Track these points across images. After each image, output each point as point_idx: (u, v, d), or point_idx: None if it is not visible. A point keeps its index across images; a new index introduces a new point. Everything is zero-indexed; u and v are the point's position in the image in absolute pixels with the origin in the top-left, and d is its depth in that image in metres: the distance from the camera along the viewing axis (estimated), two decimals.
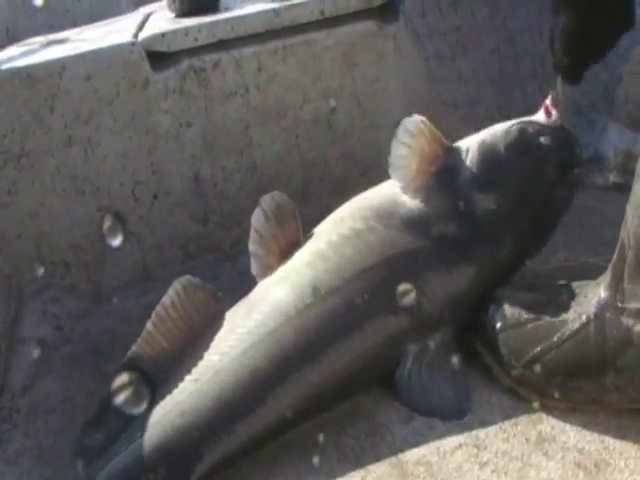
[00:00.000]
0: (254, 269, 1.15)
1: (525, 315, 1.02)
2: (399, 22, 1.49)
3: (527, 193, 1.15)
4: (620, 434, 0.97)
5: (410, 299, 1.08)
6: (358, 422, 1.05)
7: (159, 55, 1.41)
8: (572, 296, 1.02)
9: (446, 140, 1.16)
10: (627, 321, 0.92)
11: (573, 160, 1.19)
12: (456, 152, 1.16)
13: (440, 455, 0.98)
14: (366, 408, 1.07)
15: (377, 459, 0.99)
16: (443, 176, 1.15)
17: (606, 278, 0.97)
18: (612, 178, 1.31)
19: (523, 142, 1.16)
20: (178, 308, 1.09)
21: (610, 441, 0.96)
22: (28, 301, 1.37)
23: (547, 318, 1.00)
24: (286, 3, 1.45)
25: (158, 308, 1.08)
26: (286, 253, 1.14)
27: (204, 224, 1.46)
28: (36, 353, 1.26)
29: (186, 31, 1.41)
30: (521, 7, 1.60)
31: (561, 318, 0.99)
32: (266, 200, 1.15)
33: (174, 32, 1.42)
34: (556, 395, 0.98)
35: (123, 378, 1.01)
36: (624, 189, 1.33)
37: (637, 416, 0.99)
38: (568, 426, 0.99)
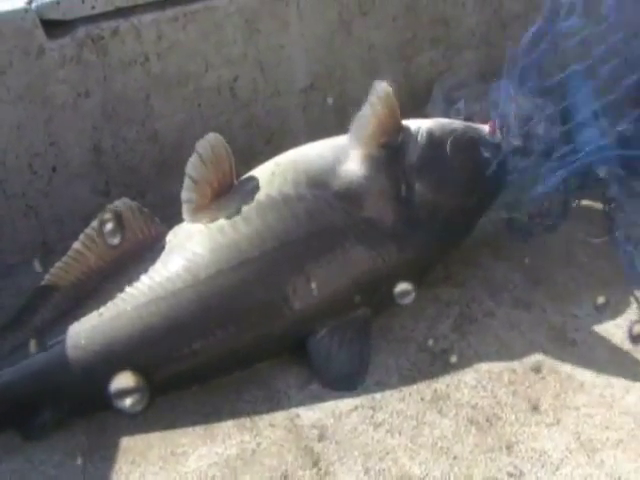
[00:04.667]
0: (187, 215, 1.12)
1: None
2: None
3: (461, 193, 1.16)
4: (512, 389, 0.98)
5: (409, 299, 1.08)
6: (255, 388, 1.04)
7: (55, 23, 1.36)
8: None
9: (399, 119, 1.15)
10: None
11: (501, 181, 1.22)
12: (405, 135, 1.15)
13: (335, 417, 0.98)
14: (263, 374, 1.06)
15: (273, 424, 0.98)
16: (388, 156, 1.13)
17: None
18: (515, 143, 1.32)
19: (467, 147, 1.18)
20: None
21: (502, 396, 0.98)
22: None
23: None
24: None
25: (87, 230, 1.08)
26: (219, 194, 1.13)
27: (106, 196, 1.42)
28: None
29: None
30: None
31: None
32: (202, 145, 1.14)
33: None
34: None
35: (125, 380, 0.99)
36: (526, 153, 1.36)
37: (529, 372, 1.01)
38: (462, 383, 1.00)
